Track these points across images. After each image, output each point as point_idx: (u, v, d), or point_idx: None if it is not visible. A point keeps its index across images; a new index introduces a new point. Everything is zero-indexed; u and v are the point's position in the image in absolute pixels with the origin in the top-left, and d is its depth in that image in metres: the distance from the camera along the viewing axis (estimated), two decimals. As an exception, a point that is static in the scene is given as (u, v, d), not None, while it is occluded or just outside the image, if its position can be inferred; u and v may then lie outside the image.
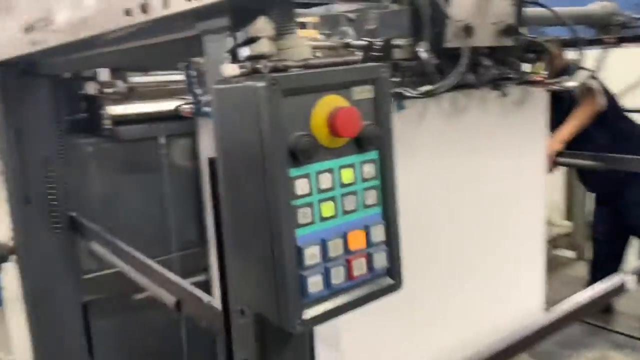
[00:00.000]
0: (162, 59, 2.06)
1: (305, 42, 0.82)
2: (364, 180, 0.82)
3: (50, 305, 2.28)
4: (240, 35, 0.77)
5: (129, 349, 2.58)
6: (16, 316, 2.51)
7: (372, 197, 0.84)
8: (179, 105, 2.44)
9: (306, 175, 0.76)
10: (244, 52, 0.77)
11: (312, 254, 0.77)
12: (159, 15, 0.88)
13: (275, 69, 0.72)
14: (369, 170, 0.83)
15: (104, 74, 2.36)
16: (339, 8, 1.67)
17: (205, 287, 2.75)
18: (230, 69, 0.76)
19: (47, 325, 2.29)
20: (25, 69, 2.08)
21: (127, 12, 0.94)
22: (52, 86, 2.18)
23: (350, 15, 1.59)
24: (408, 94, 1.56)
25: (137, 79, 2.72)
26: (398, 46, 1.61)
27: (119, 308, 2.58)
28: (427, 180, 1.60)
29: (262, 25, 0.74)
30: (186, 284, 1.57)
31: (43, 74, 2.12)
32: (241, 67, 0.75)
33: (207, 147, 2.55)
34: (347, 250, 0.81)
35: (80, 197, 2.37)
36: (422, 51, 1.57)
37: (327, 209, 0.79)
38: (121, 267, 1.90)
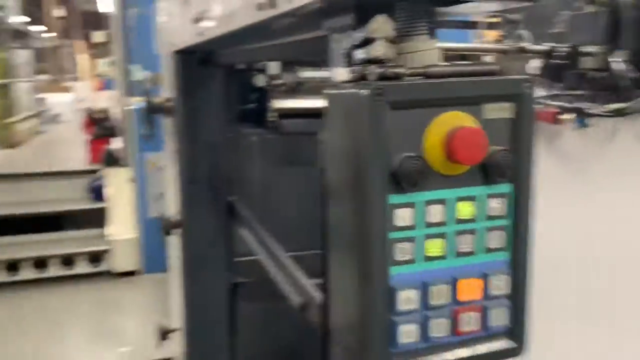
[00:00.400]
0: (300, 56, 2.04)
1: (435, 45, 0.69)
2: (489, 217, 0.67)
3: (202, 280, 2.42)
4: (358, 36, 0.67)
5: (269, 336, 2.64)
6: (175, 284, 2.72)
7: (497, 239, 0.68)
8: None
9: (410, 204, 0.63)
10: (360, 54, 0.67)
11: (407, 298, 0.64)
12: (285, 10, 0.81)
13: (383, 77, 0.61)
14: (497, 206, 0.67)
15: (274, 67, 2.42)
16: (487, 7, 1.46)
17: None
18: (341, 74, 0.66)
19: (196, 299, 2.44)
20: (203, 58, 2.21)
21: (260, 7, 0.90)
22: (226, 76, 2.30)
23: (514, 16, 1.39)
24: (593, 111, 1.32)
25: (308, 73, 2.76)
26: (588, 54, 1.38)
27: (265, 294, 2.65)
28: (610, 215, 1.34)
29: (379, 25, 0.63)
30: (312, 287, 1.52)
31: (219, 64, 2.23)
32: (352, 72, 0.65)
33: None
34: (455, 299, 0.67)
35: (241, 183, 2.47)
36: (618, 61, 1.32)
37: (434, 247, 0.65)
38: (261, 257, 1.93)
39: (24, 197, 4.78)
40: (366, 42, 0.66)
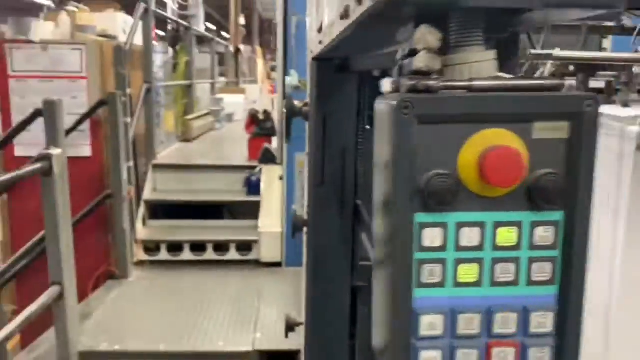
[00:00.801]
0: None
1: (490, 57, 0.64)
2: (535, 247, 0.61)
3: (324, 280, 2.49)
4: (407, 46, 0.65)
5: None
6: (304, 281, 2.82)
7: (544, 271, 0.61)
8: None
9: (441, 225, 0.60)
10: (409, 65, 0.65)
11: (431, 323, 0.61)
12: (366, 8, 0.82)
13: (413, 89, 0.59)
14: (545, 235, 0.61)
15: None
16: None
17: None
18: (386, 85, 0.65)
19: (318, 297, 2.51)
20: (340, 64, 2.27)
21: (345, 13, 0.91)
22: (360, 82, 2.33)
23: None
24: None
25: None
26: None
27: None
28: None
29: (422, 36, 0.61)
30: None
31: (353, 71, 2.27)
32: (392, 84, 0.63)
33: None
34: (488, 331, 0.62)
35: (368, 187, 2.49)
36: None
37: (468, 272, 0.61)
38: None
39: (194, 186, 5.32)
40: (412, 53, 0.64)
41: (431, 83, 0.58)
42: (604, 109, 1.77)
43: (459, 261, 0.61)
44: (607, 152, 1.67)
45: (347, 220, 2.45)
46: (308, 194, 2.50)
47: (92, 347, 3.22)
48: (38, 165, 2.68)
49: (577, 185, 0.60)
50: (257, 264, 4.69)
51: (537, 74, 2.45)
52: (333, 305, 2.54)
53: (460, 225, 0.60)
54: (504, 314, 0.61)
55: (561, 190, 0.59)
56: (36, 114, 2.98)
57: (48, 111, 2.68)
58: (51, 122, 2.70)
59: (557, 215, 0.61)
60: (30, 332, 3.39)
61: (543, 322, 0.61)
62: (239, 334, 3.47)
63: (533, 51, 1.52)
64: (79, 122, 3.95)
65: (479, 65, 0.64)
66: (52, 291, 2.80)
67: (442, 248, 0.61)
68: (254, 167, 5.37)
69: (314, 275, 2.53)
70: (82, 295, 3.78)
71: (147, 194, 5.01)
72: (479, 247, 0.61)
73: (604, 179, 1.69)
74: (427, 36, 0.61)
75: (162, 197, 5.18)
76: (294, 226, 2.53)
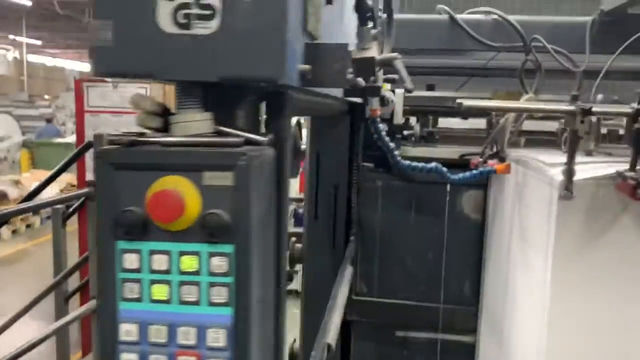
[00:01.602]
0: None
1: (204, 117, 0.79)
2: (213, 274, 0.74)
3: (318, 310, 2.59)
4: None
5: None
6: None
7: (221, 294, 0.74)
8: (464, 155, 2.35)
9: (137, 251, 0.75)
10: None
11: (128, 330, 0.75)
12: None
13: (113, 142, 0.74)
14: (220, 264, 0.73)
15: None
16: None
17: (471, 350, 2.57)
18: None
19: (313, 327, 2.61)
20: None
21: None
22: (354, 123, 2.46)
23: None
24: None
25: (449, 122, 2.75)
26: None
27: (379, 337, 2.69)
28: None
29: (134, 101, 0.77)
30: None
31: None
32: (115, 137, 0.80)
33: (496, 201, 2.36)
34: (174, 341, 0.75)
35: (363, 224, 2.58)
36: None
37: (160, 291, 0.75)
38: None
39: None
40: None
41: (133, 138, 0.74)
42: (545, 156, 1.77)
43: (153, 281, 0.75)
44: (539, 197, 1.66)
45: (341, 253, 2.55)
46: (304, 228, 2.64)
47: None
48: (85, 190, 3.04)
49: (241, 224, 0.72)
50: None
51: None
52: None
53: (152, 252, 0.75)
54: (187, 328, 0.74)
55: (228, 227, 0.72)
56: (87, 146, 3.40)
57: (96, 143, 3.06)
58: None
59: (229, 248, 0.73)
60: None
61: (217, 337, 0.73)
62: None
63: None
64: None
65: (198, 124, 0.79)
66: (91, 304, 3.14)
67: (138, 270, 0.75)
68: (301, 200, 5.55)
69: (307, 308, 2.65)
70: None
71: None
72: (168, 271, 0.75)
73: (536, 222, 1.68)
74: (140, 101, 0.77)
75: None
76: (290, 259, 2.68)
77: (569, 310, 1.55)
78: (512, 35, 2.38)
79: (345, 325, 2.65)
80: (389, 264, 2.60)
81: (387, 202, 2.58)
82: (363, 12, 1.33)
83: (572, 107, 1.42)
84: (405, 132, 2.57)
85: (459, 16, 2.42)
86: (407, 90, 1.69)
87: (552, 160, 1.65)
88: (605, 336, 1.55)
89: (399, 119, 2.44)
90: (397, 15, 2.43)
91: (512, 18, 2.38)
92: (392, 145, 1.99)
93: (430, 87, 2.65)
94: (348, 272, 2.55)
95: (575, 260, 1.53)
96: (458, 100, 1.56)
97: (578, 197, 1.49)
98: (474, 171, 1.83)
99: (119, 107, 4.30)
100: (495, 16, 2.39)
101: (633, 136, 1.41)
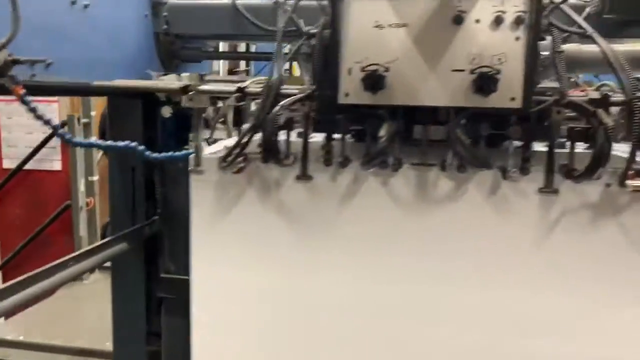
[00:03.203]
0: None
1: None
2: None
3: (125, 289, 2.71)
4: None
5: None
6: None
7: None
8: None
9: None
10: None
11: None
12: None
13: None
14: None
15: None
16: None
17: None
18: None
19: (123, 302, 2.73)
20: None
21: None
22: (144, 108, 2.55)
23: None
24: None
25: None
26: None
27: (188, 313, 2.78)
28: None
29: None
30: None
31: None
32: None
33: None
34: None
35: (169, 204, 2.67)
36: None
37: None
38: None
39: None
40: None
41: None
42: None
43: None
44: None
45: (138, 234, 2.66)
46: (109, 208, 2.75)
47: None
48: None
49: None
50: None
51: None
52: (135, 313, 2.75)
53: None
54: None
55: None
56: None
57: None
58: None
59: None
60: None
61: None
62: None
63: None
64: (46, 141, 4.59)
65: None
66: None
67: None
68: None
69: (115, 284, 2.77)
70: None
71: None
72: None
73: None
74: None
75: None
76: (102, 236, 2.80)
77: (209, 280, 1.64)
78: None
79: (157, 302, 2.76)
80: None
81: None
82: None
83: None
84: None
85: (240, 2, 2.47)
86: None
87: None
88: (249, 301, 1.63)
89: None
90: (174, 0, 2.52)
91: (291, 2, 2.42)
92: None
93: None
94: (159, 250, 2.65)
95: (210, 231, 1.61)
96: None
97: (208, 172, 1.57)
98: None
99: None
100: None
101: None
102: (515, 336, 1.50)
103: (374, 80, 1.31)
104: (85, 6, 2.00)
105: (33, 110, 1.60)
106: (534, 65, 1.29)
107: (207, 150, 1.59)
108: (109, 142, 1.88)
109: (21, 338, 3.74)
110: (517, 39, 1.29)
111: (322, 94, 1.39)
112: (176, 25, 2.54)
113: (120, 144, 1.81)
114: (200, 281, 1.64)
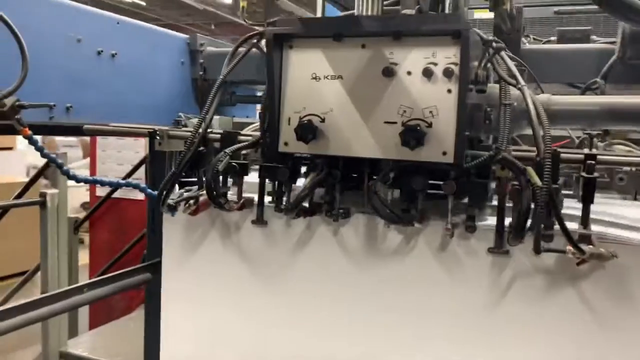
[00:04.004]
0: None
1: None
2: None
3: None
4: None
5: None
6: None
7: None
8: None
9: None
10: None
11: None
12: None
13: None
14: None
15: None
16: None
17: None
18: None
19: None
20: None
21: None
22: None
23: None
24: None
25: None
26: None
27: None
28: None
29: None
30: None
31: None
32: None
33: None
34: None
35: None
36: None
37: None
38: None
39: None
40: None
41: None
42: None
43: None
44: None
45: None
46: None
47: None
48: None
49: None
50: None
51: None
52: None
53: None
54: None
55: None
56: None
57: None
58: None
59: None
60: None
61: None
62: None
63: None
64: (132, 172, 5.02)
65: None
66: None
67: None
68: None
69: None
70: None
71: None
72: None
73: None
74: None
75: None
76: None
77: (177, 316, 1.70)
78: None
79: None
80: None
81: None
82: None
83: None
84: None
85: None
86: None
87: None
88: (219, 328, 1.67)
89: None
90: (211, 48, 2.68)
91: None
92: None
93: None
94: None
95: (178, 269, 1.68)
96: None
97: (180, 213, 1.65)
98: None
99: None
100: None
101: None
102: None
103: (304, 131, 1.33)
104: (113, 55, 2.21)
105: (40, 149, 1.79)
106: (465, 119, 1.22)
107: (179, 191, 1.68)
108: (112, 179, 2.04)
109: (85, 354, 4.04)
110: (449, 91, 1.24)
111: (266, 142, 1.42)
112: (212, 71, 2.71)
113: (122, 181, 1.97)
114: (168, 317, 1.71)
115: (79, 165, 9.48)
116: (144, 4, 14.51)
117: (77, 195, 7.66)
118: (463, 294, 1.38)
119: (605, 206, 1.54)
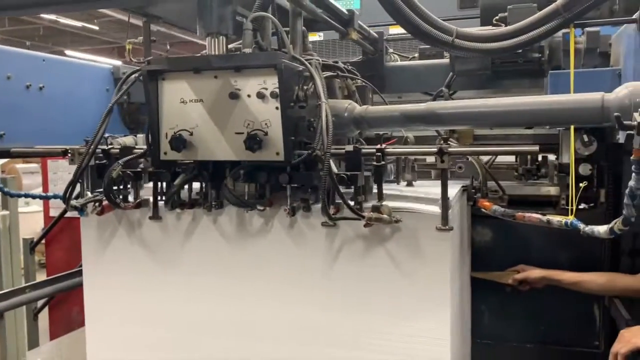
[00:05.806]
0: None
1: None
2: None
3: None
4: None
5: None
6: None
7: None
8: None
9: None
10: None
11: None
12: None
13: None
14: None
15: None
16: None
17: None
18: None
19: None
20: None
21: None
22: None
23: None
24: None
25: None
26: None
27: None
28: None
29: None
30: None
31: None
32: None
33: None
34: None
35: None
36: None
37: None
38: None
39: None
40: None
41: None
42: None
43: None
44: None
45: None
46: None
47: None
48: None
49: None
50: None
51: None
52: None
53: None
54: None
55: None
56: None
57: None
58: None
59: None
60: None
61: None
62: None
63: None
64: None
65: None
66: None
67: None
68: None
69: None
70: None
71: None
72: None
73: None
74: None
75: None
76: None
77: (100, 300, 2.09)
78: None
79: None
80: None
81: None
82: None
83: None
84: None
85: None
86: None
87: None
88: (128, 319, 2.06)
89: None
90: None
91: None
92: None
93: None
94: None
95: (96, 262, 2.08)
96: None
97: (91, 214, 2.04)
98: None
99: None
100: None
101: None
102: (311, 345, 1.83)
103: (176, 143, 1.75)
104: (40, 88, 2.60)
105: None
106: (290, 128, 1.67)
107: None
108: (40, 193, 2.43)
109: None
110: (277, 108, 1.68)
111: (151, 153, 1.83)
112: (135, 95, 3.11)
113: (50, 194, 2.34)
114: (90, 305, 2.11)
115: (40, 191, 9.63)
116: (97, 28, 14.74)
117: (40, 219, 7.84)
118: (308, 259, 1.82)
119: (429, 188, 2.02)
